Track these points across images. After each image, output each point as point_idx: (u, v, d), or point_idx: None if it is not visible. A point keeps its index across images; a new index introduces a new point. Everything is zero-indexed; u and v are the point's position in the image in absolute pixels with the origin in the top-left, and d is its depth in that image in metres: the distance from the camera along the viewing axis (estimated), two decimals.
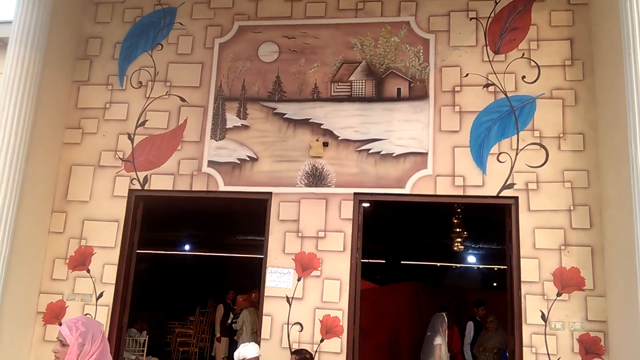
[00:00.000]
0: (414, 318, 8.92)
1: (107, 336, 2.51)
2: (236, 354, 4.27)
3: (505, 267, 5.01)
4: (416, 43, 5.26)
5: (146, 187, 5.34)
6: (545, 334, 4.52)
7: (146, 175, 5.37)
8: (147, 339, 8.25)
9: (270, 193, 5.14)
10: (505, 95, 5.01)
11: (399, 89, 5.19)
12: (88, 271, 5.23)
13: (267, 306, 4.90)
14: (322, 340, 4.77)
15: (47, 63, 5.09)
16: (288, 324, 4.83)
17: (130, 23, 5.79)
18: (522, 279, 4.64)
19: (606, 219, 4.56)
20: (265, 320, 4.87)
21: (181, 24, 5.68)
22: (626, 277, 4.03)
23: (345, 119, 5.19)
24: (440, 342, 6.13)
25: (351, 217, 4.98)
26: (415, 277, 11.48)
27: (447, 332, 6.78)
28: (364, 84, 5.26)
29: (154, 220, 6.90)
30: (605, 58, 4.64)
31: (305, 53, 5.40)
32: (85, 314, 5.11)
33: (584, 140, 4.81)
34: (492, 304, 7.93)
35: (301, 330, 4.81)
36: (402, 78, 5.20)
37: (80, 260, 5.26)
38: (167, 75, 5.57)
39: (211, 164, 5.30)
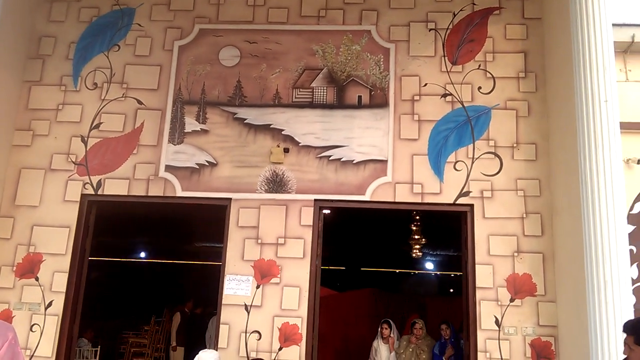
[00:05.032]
0: (372, 324, 8.96)
1: (17, 341, 2.46)
2: (196, 359, 4.19)
3: (461, 273, 5.11)
4: (377, 52, 5.32)
5: (100, 192, 5.17)
6: (499, 339, 4.63)
7: (100, 180, 5.20)
8: (98, 349, 7.96)
9: (230, 199, 5.07)
10: (462, 105, 5.13)
11: (359, 97, 5.24)
12: (37, 279, 5.00)
13: (225, 314, 4.82)
14: (280, 349, 4.72)
15: None
16: (246, 333, 4.76)
17: (86, 22, 5.62)
18: (477, 285, 4.75)
19: (556, 226, 4.73)
20: (223, 329, 4.78)
21: (140, 25, 5.56)
22: (575, 283, 4.18)
23: (307, 125, 5.19)
24: (375, 345, 6.22)
25: (311, 224, 4.97)
26: (374, 283, 11.55)
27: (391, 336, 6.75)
28: (325, 90, 5.28)
29: (108, 226, 6.68)
30: (557, 71, 4.82)
31: (267, 58, 5.38)
32: (33, 324, 4.89)
33: (536, 150, 4.98)
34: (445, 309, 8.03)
35: (259, 339, 4.75)
36: (363, 86, 5.25)
37: (29, 268, 5.04)
38: (123, 77, 5.42)
39: (169, 168, 5.19)
